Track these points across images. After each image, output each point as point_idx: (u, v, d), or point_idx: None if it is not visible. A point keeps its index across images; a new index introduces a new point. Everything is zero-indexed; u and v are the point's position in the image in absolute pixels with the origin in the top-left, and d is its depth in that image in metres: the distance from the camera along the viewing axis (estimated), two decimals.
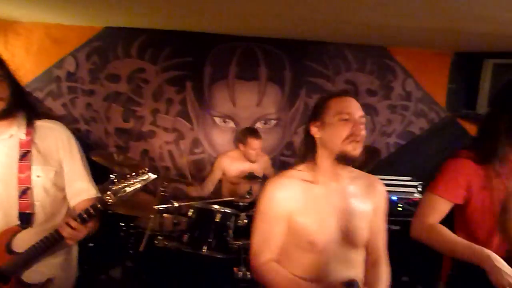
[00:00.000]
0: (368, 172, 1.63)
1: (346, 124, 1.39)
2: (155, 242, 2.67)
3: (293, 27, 3.40)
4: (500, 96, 1.75)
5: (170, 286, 2.87)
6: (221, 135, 4.05)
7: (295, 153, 4.10)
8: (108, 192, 1.44)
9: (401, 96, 4.18)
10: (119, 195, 1.44)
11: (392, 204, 3.38)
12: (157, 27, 3.75)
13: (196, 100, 3.95)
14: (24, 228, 1.49)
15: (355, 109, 1.42)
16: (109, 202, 1.43)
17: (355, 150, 1.39)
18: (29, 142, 1.47)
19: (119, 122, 3.95)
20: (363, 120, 1.43)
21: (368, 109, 4.15)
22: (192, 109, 3.96)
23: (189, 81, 3.92)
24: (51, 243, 1.45)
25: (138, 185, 1.46)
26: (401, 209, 3.43)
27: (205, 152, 4.06)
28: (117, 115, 3.94)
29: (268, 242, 1.41)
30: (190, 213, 2.72)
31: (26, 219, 1.47)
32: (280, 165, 4.05)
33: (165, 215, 2.94)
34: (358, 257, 1.47)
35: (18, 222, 1.47)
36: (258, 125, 4.04)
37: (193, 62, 3.89)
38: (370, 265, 1.48)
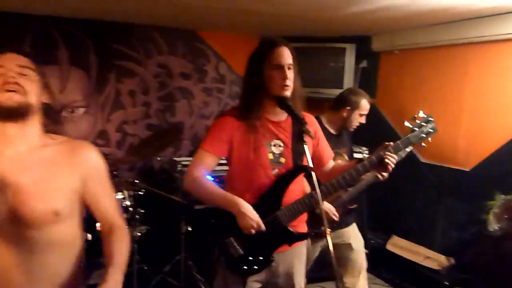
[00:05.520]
0: None
1: None
2: None
3: (91, 7, 3.18)
4: (248, 62, 1.94)
5: None
6: None
7: (110, 142, 3.89)
8: None
9: (216, 79, 4.33)
10: None
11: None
12: None
13: None
14: None
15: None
16: None
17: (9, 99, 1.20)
18: None
19: None
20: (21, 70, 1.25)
21: (184, 93, 4.18)
22: None
23: None
24: None
25: None
26: None
27: None
28: None
29: None
30: None
31: None
32: None
33: None
34: (44, 236, 1.25)
35: None
36: (64, 113, 3.70)
37: None
38: (106, 234, 1.41)
